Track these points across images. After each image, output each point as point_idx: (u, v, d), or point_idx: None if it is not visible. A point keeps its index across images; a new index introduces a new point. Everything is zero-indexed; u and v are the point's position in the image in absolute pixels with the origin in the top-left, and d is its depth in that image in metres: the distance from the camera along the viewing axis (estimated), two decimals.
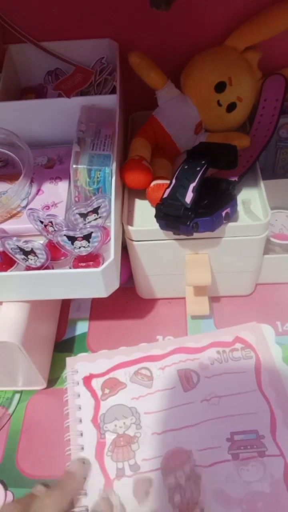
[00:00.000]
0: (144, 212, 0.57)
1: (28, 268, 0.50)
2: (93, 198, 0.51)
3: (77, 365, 0.58)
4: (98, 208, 0.51)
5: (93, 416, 0.53)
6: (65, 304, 0.67)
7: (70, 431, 0.52)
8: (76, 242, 0.48)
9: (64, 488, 0.45)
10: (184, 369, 0.56)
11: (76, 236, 0.47)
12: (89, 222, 0.52)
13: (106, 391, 0.55)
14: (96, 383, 0.56)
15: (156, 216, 0.50)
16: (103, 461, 0.50)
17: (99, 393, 0.55)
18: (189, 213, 0.48)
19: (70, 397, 0.55)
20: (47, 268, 0.50)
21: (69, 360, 0.59)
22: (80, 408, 0.54)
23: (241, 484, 0.47)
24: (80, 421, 0.53)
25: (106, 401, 0.54)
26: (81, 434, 0.52)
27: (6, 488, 0.50)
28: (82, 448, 0.51)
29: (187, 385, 0.55)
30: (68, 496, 0.45)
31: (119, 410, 0.53)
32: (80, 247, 0.49)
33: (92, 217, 0.51)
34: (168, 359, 0.58)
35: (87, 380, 0.56)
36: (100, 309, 0.66)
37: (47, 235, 0.51)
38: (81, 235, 0.47)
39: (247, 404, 0.52)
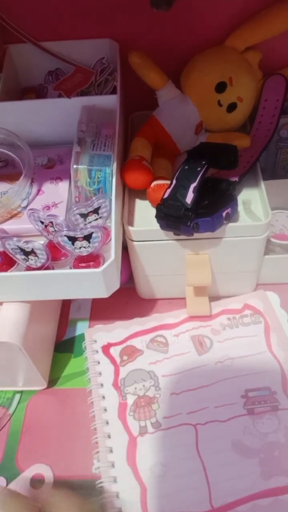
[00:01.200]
0: (145, 212, 0.57)
1: (29, 268, 0.50)
2: (94, 198, 0.51)
3: (95, 336, 0.61)
4: (98, 208, 0.51)
5: (114, 380, 0.56)
6: (66, 304, 0.67)
7: (93, 395, 0.55)
8: (77, 242, 0.48)
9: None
10: (197, 335, 0.60)
11: (77, 236, 0.47)
12: (89, 222, 0.52)
13: (124, 357, 0.58)
14: (115, 351, 0.59)
15: (156, 216, 0.50)
16: (125, 421, 0.53)
17: (117, 359, 0.58)
18: (190, 213, 0.48)
19: (91, 364, 0.58)
20: (47, 268, 0.50)
21: (87, 332, 0.62)
22: (100, 374, 0.57)
23: (258, 435, 0.50)
24: (102, 385, 0.56)
25: (125, 366, 0.58)
26: (103, 397, 0.55)
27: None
28: (105, 410, 0.54)
29: (201, 350, 0.58)
30: None
31: (138, 374, 0.57)
32: (80, 248, 0.49)
33: (92, 217, 0.51)
34: (181, 327, 0.61)
35: (106, 349, 0.60)
36: (100, 309, 0.66)
37: (48, 235, 0.51)
38: (82, 236, 0.47)
39: (259, 364, 0.56)
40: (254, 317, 0.61)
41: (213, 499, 0.46)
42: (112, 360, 0.58)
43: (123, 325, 0.62)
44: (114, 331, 0.61)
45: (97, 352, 0.59)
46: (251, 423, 0.51)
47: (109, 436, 0.52)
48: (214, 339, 0.59)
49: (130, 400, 0.54)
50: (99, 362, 0.58)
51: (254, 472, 0.48)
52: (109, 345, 0.60)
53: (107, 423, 0.53)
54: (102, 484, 0.48)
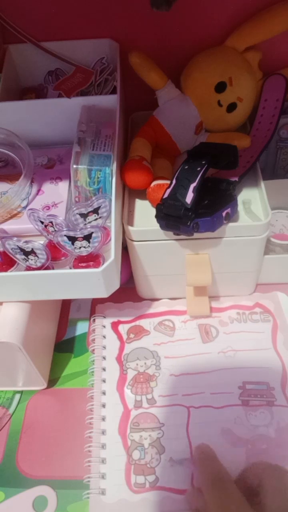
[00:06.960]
0: (145, 212, 0.57)
1: (29, 268, 0.50)
2: (94, 198, 0.51)
3: (106, 312, 0.64)
4: (98, 208, 0.51)
5: (118, 355, 0.59)
6: (65, 304, 0.67)
7: (95, 365, 0.58)
8: (77, 242, 0.48)
9: None
10: (204, 324, 0.61)
11: (77, 236, 0.47)
12: (89, 222, 0.52)
13: (131, 335, 0.61)
14: (123, 328, 0.62)
15: (156, 216, 0.50)
16: (123, 393, 0.56)
17: (124, 336, 0.61)
18: (190, 213, 0.48)
19: (97, 337, 0.61)
20: (47, 268, 0.50)
21: (98, 307, 0.65)
22: (105, 347, 0.60)
23: (248, 427, 0.51)
24: (104, 358, 0.59)
25: (130, 344, 0.60)
26: (104, 369, 0.58)
27: None
28: (104, 381, 0.56)
29: (206, 338, 0.60)
30: None
31: (141, 352, 0.59)
32: (80, 247, 0.49)
33: (92, 217, 0.51)
34: None
35: (115, 325, 0.63)
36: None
37: (48, 235, 0.51)
38: (82, 235, 0.47)
39: (261, 360, 0.57)
40: (264, 315, 0.62)
41: (195, 480, 0.48)
42: (119, 336, 0.61)
43: (134, 306, 0.64)
44: (124, 310, 0.64)
45: (104, 327, 0.62)
46: (244, 414, 0.52)
47: (103, 406, 0.54)
48: (220, 330, 0.60)
49: (130, 374, 0.57)
50: (105, 337, 0.61)
51: (239, 461, 0.49)
52: (119, 322, 0.63)
53: (104, 393, 0.55)
54: (90, 448, 0.50)
